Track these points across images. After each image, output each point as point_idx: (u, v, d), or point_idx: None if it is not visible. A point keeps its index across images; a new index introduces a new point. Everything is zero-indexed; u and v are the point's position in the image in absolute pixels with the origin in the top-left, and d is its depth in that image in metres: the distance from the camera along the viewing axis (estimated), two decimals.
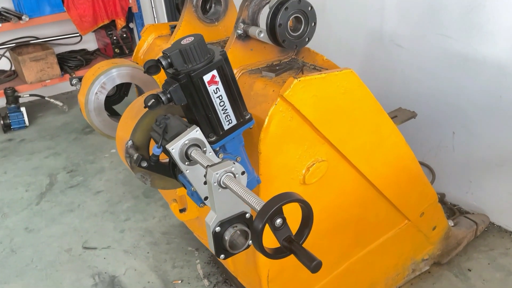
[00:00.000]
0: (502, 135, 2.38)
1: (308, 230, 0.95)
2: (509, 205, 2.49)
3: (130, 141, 1.46)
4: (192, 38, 1.14)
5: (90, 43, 5.32)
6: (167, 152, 1.20)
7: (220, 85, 1.17)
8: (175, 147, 1.16)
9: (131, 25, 5.22)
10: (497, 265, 2.30)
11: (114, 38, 5.00)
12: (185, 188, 1.37)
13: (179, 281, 2.39)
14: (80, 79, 2.04)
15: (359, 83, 1.53)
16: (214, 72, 1.15)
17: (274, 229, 0.89)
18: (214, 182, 1.04)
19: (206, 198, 1.27)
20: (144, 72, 1.19)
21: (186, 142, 1.17)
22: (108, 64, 1.91)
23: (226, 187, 1.04)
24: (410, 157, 1.86)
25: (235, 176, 1.05)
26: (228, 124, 1.24)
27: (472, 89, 2.40)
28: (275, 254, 0.93)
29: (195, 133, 1.18)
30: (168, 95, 1.16)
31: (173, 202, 2.07)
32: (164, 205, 3.03)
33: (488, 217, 2.55)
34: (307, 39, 1.61)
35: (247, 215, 1.13)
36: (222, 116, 1.21)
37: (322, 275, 1.88)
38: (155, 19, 5.07)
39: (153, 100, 1.19)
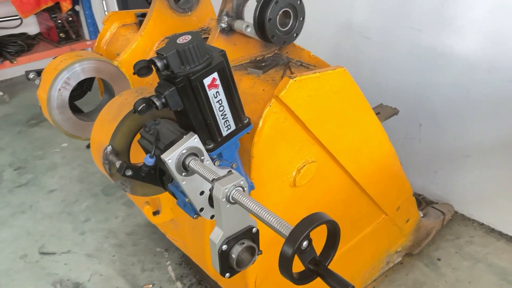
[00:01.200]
0: (468, 127, 2.45)
1: (334, 251, 0.89)
2: (472, 195, 2.59)
3: (110, 146, 1.33)
4: (190, 37, 1.03)
5: (31, 26, 4.92)
6: (161, 162, 1.09)
7: (220, 89, 1.07)
8: (171, 158, 1.05)
9: (77, 7, 4.87)
10: (464, 253, 2.39)
11: (59, 21, 4.65)
12: (175, 197, 1.26)
13: (150, 285, 2.27)
14: (38, 72, 1.84)
15: (351, 82, 1.48)
16: (215, 74, 1.04)
17: (300, 252, 0.82)
18: (223, 198, 0.95)
19: (201, 209, 1.17)
20: (134, 74, 1.06)
21: (184, 151, 1.06)
22: (71, 57, 1.73)
23: (235, 202, 0.95)
24: (392, 153, 1.85)
25: (244, 190, 0.96)
26: (226, 130, 1.14)
27: (440, 82, 2.44)
28: (302, 279, 0.86)
29: (193, 141, 1.07)
30: (163, 100, 1.04)
31: (146, 204, 1.96)
32: (127, 203, 2.87)
33: (453, 207, 2.64)
34: (295, 34, 1.53)
35: (254, 230, 1.05)
36: (221, 122, 1.12)
37: None
38: (104, 2, 4.76)
39: (144, 105, 1.06)
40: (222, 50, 1.06)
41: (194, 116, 1.08)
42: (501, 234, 2.50)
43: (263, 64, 1.57)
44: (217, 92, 1.07)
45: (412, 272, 2.28)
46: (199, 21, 2.00)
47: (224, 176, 0.97)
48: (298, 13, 1.49)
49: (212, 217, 1.21)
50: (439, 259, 2.35)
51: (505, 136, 2.35)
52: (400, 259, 2.33)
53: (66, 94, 1.72)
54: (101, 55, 1.98)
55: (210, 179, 0.98)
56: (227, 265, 1.03)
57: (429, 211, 2.51)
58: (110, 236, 2.62)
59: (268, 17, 1.42)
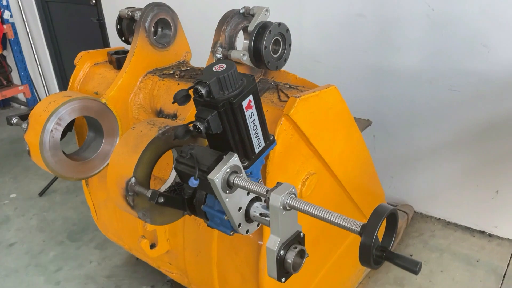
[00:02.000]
0: (416, 134, 2.75)
1: (395, 236, 1.02)
2: (427, 194, 2.87)
3: (133, 177, 1.35)
4: (225, 65, 1.12)
5: None
6: (205, 183, 1.15)
7: (254, 109, 1.17)
8: (218, 177, 1.12)
9: (5, 52, 4.66)
10: (430, 247, 2.63)
11: None
12: (207, 219, 1.32)
13: None
14: (21, 117, 1.80)
15: (340, 98, 1.65)
16: (251, 97, 1.15)
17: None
18: (280, 206, 1.04)
19: (239, 225, 1.24)
20: (173, 103, 1.13)
21: (228, 170, 1.14)
22: (59, 98, 1.72)
23: (291, 209, 1.05)
24: (370, 161, 2.05)
25: (296, 197, 1.07)
26: (258, 147, 1.24)
27: (389, 95, 2.73)
28: (376, 264, 0.97)
29: (234, 159, 1.15)
30: (206, 124, 1.12)
31: (143, 239, 1.95)
32: (99, 246, 2.78)
33: (412, 207, 2.90)
34: (284, 60, 1.68)
35: (301, 234, 1.15)
36: (254, 140, 1.21)
37: (308, 282, 1.94)
38: (33, 46, 4.64)
39: (185, 130, 1.13)
40: (252, 75, 1.17)
41: (233, 137, 1.16)
42: (456, 225, 2.80)
43: None
44: (252, 112, 1.17)
45: (391, 270, 2.47)
46: (176, 55, 2.08)
47: (276, 187, 1.06)
48: (286, 40, 1.64)
49: (247, 231, 1.28)
50: (411, 255, 2.57)
51: (448, 137, 2.67)
52: None
53: (58, 135, 1.71)
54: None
55: (264, 191, 1.07)
56: (283, 270, 1.11)
57: None
58: (89, 281, 2.52)
59: (264, 46, 1.55)
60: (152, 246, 1.98)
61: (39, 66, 4.83)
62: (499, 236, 2.68)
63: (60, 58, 4.93)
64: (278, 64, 1.66)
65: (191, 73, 1.96)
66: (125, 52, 2.13)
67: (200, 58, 2.07)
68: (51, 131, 1.68)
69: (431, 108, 2.63)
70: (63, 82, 4.85)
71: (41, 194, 3.41)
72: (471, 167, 2.64)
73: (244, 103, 1.14)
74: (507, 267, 2.45)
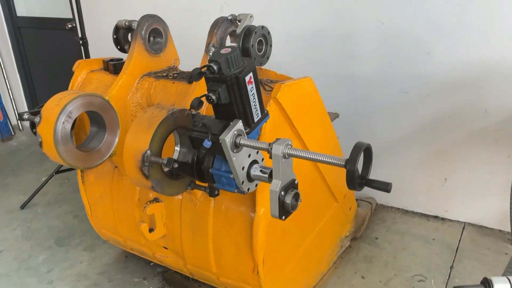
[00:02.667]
0: (375, 131, 3.13)
1: (371, 164, 1.32)
2: None
3: (149, 150, 1.60)
4: (230, 49, 1.42)
5: None
6: (216, 144, 1.42)
7: (253, 85, 1.47)
8: (228, 137, 1.39)
9: None
10: (392, 231, 2.97)
11: None
12: (214, 181, 1.57)
13: None
14: (33, 113, 2.00)
15: (315, 88, 1.98)
16: (251, 74, 1.44)
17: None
18: (281, 154, 1.32)
19: (242, 182, 1.51)
20: (189, 79, 1.41)
21: (235, 132, 1.42)
22: (69, 94, 1.94)
23: (289, 157, 1.33)
24: (339, 148, 2.38)
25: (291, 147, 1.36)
26: (256, 117, 1.52)
27: (350, 99, 3.11)
28: (359, 187, 1.27)
29: (239, 124, 1.43)
30: (217, 95, 1.40)
31: (142, 223, 2.16)
32: (88, 248, 2.92)
33: (375, 199, 3.25)
34: (267, 57, 2.00)
35: (296, 181, 1.43)
36: (253, 110, 1.50)
37: (291, 255, 2.20)
38: (4, 72, 4.76)
39: (199, 102, 1.41)
40: (251, 59, 1.47)
41: (237, 106, 1.45)
42: (413, 213, 3.17)
43: None
44: (252, 87, 1.46)
45: (361, 251, 2.77)
46: (167, 60, 2.36)
47: (276, 141, 1.35)
48: (268, 41, 1.97)
49: (248, 189, 1.55)
50: (376, 238, 2.90)
51: (401, 133, 3.06)
52: (349, 243, 2.82)
53: (68, 127, 1.92)
54: None
55: (267, 145, 1.36)
56: (283, 210, 1.38)
57: (360, 203, 3.07)
58: (82, 279, 2.65)
59: (251, 44, 1.87)
60: (151, 230, 2.19)
61: (9, 91, 4.95)
62: (450, 219, 3.07)
63: (31, 84, 5.07)
64: (262, 61, 1.98)
65: (182, 75, 2.24)
66: (119, 60, 2.39)
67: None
68: (63, 123, 1.89)
69: (387, 108, 3.02)
70: (34, 107, 4.97)
71: (23, 207, 3.49)
72: (423, 159, 3.04)
73: (247, 78, 1.43)
74: (459, 243, 2.81)
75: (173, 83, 2.13)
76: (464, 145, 2.86)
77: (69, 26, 4.36)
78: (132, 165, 1.64)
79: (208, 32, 1.98)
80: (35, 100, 5.20)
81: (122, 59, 2.41)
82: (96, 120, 2.11)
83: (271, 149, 1.34)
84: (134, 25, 2.18)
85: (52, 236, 3.09)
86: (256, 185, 1.59)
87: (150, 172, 1.62)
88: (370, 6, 2.84)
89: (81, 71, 2.37)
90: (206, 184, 1.79)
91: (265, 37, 1.96)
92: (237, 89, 1.42)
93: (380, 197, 3.28)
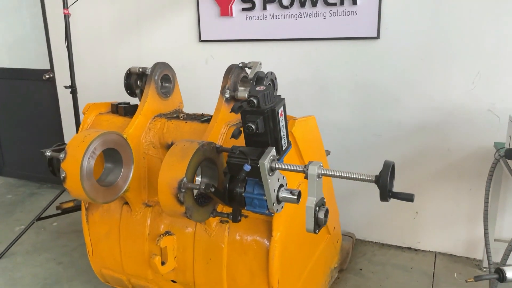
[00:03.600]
0: (352, 170, 3.42)
1: (394, 181, 1.56)
2: (364, 222, 3.50)
3: (185, 178, 1.75)
4: (264, 87, 1.66)
5: None
6: (254, 169, 1.61)
7: (283, 117, 1.70)
8: (266, 161, 1.60)
9: None
10: (374, 262, 3.20)
11: None
12: (245, 204, 1.75)
13: None
14: (56, 150, 2.09)
15: (316, 125, 2.25)
16: (282, 108, 1.68)
17: None
18: (316, 174, 1.54)
19: (273, 203, 1.70)
20: (231, 112, 1.62)
21: (271, 157, 1.63)
22: (93, 132, 2.07)
23: (322, 176, 1.56)
24: (330, 180, 2.63)
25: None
26: (284, 146, 1.75)
27: (328, 142, 3.39)
28: (389, 198, 1.49)
29: (273, 151, 1.65)
30: (255, 125, 1.61)
31: (155, 256, 2.26)
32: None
33: (354, 234, 3.50)
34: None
35: (324, 200, 1.64)
36: (282, 140, 1.72)
37: (296, 282, 2.35)
38: None
39: (239, 131, 1.62)
40: (280, 95, 1.72)
41: (270, 135, 1.67)
42: (389, 246, 3.44)
43: None
44: (282, 119, 1.70)
45: (349, 281, 2.96)
46: (173, 104, 2.56)
47: (310, 163, 1.58)
48: (275, 85, 2.24)
49: (277, 210, 1.74)
50: (360, 269, 3.11)
51: (375, 172, 3.38)
52: (337, 274, 3.00)
53: (92, 163, 2.03)
54: None
55: (303, 167, 1.57)
56: (317, 224, 1.58)
57: (343, 237, 3.30)
58: None
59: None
60: (162, 263, 2.27)
61: None
62: (422, 250, 3.36)
63: None
64: None
65: (191, 117, 2.44)
66: (126, 103, 2.56)
67: None
68: (88, 159, 2.01)
69: (361, 150, 3.36)
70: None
71: (0, 256, 3.38)
72: None
73: (279, 111, 1.67)
74: (434, 270, 3.09)
75: (186, 122, 2.32)
76: (431, 181, 3.22)
77: (46, 76, 4.46)
78: (167, 192, 1.78)
79: (223, 77, 2.21)
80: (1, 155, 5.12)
81: (129, 103, 2.58)
82: (113, 157, 2.23)
83: (307, 170, 1.56)
84: (148, 71, 2.38)
85: (38, 283, 3.02)
86: (282, 207, 1.78)
87: (184, 199, 1.77)
88: (345, 61, 3.24)
89: (90, 114, 2.50)
90: (229, 210, 1.95)
91: (273, 82, 2.23)
92: (271, 121, 1.65)
93: (358, 232, 3.53)
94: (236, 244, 2.15)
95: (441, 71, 3.01)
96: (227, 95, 2.17)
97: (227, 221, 2.18)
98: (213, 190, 1.71)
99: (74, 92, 3.51)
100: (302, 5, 3.23)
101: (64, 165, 1.99)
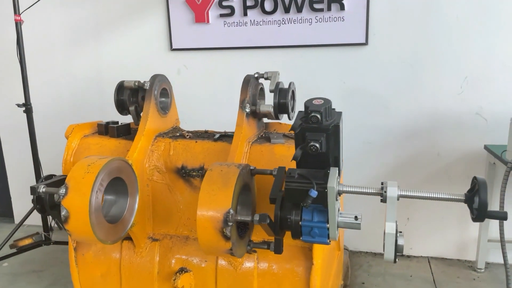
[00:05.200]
0: (343, 177, 3.32)
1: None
2: (354, 232, 3.40)
3: (231, 209, 1.50)
4: (322, 100, 1.47)
5: None
6: (320, 193, 1.41)
7: (342, 134, 1.52)
8: (334, 185, 1.40)
9: None
10: (373, 274, 3.12)
11: None
12: (301, 234, 1.53)
13: None
14: (50, 185, 1.73)
15: None
16: (341, 122, 1.50)
17: None
18: (395, 196, 1.38)
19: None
20: (292, 129, 1.40)
21: (337, 179, 1.43)
22: (97, 160, 1.73)
23: (404, 197, 1.39)
24: None
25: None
26: (342, 164, 1.56)
27: None
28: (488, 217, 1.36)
29: (336, 171, 1.46)
30: (320, 144, 1.41)
31: None
32: None
33: (347, 246, 3.39)
34: (293, 112, 2.06)
35: (397, 223, 1.48)
36: (341, 158, 1.54)
37: None
38: None
39: (302, 152, 1.41)
40: (334, 109, 1.53)
41: (332, 153, 1.47)
42: (382, 254, 3.36)
43: (269, 136, 2.01)
44: (341, 134, 1.51)
45: None
46: (171, 121, 2.26)
47: (385, 184, 1.41)
48: (295, 96, 2.04)
49: (335, 236, 1.54)
50: (363, 283, 3.00)
51: (366, 180, 3.29)
52: None
53: (100, 197, 1.70)
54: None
55: (380, 189, 1.40)
56: (397, 252, 1.41)
57: None
58: None
59: (289, 99, 1.93)
60: None
61: None
62: (415, 256, 3.34)
63: None
64: (292, 115, 2.03)
65: (196, 134, 2.16)
66: (115, 123, 2.22)
67: None
68: (96, 192, 1.67)
69: (351, 158, 3.25)
70: None
71: None
72: None
73: (342, 127, 1.48)
74: (433, 276, 3.07)
75: (196, 142, 2.04)
76: (422, 186, 3.21)
77: None
78: (209, 227, 1.51)
79: (241, 90, 1.98)
80: None
81: (118, 122, 2.24)
82: (115, 187, 1.89)
83: (385, 192, 1.38)
84: (147, 85, 2.07)
85: None
86: (337, 235, 1.59)
87: (231, 234, 1.51)
88: (333, 68, 3.13)
89: (74, 137, 2.13)
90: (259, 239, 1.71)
91: (293, 93, 2.04)
92: (333, 138, 1.46)
93: (349, 243, 3.44)
94: (268, 276, 1.92)
95: (429, 76, 3.01)
96: (247, 110, 1.93)
97: (254, 251, 1.94)
98: (268, 221, 1.48)
99: (28, 110, 3.04)
100: (286, 10, 3.08)
101: (66, 202, 1.63)
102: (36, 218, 3.22)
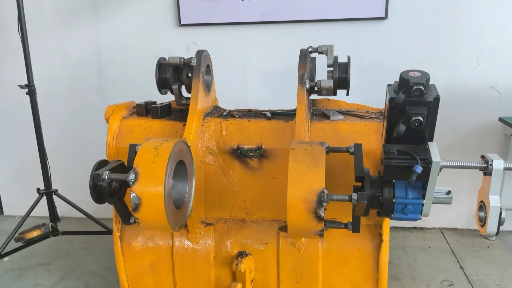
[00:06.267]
0: None
1: None
2: None
3: (325, 189, 1.43)
4: (419, 72, 1.42)
5: None
6: (425, 170, 1.37)
7: None
8: (439, 159, 1.37)
9: None
10: (392, 247, 3.16)
11: None
12: (391, 213, 1.49)
13: None
14: (112, 170, 1.58)
15: None
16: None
17: None
18: (501, 168, 1.36)
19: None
20: (397, 102, 1.35)
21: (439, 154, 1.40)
22: (162, 142, 1.60)
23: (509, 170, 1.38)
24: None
25: None
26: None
27: None
28: None
29: (435, 146, 1.42)
30: (424, 118, 1.37)
31: (236, 283, 1.92)
32: None
33: None
34: None
35: None
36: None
37: None
38: None
39: (406, 127, 1.36)
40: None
41: (430, 128, 1.43)
42: (396, 228, 3.43)
43: (324, 113, 1.95)
44: None
45: None
46: (212, 100, 2.15)
47: (488, 157, 1.39)
48: (347, 68, 1.96)
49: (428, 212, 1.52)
50: None
51: None
52: None
53: (171, 181, 1.58)
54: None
55: (484, 162, 1.38)
56: (500, 225, 1.41)
57: None
58: None
59: (349, 74, 1.86)
60: None
61: None
62: (427, 227, 3.43)
63: None
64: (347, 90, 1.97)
65: (243, 113, 2.06)
66: (153, 103, 2.07)
67: None
68: (168, 176, 1.55)
69: None
70: None
71: None
72: None
73: None
74: (449, 245, 3.16)
75: (249, 121, 1.94)
76: None
77: None
78: (302, 208, 1.44)
79: (298, 65, 1.89)
80: None
81: (155, 101, 2.10)
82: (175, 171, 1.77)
83: (490, 165, 1.37)
84: (194, 62, 1.93)
85: None
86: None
87: (324, 212, 1.45)
88: (350, 43, 3.08)
89: (115, 118, 1.97)
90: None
91: (346, 66, 1.96)
92: (432, 112, 1.42)
93: None
94: (333, 255, 1.88)
95: (446, 50, 3.04)
96: (307, 86, 1.85)
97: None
98: (365, 200, 1.43)
99: (32, 92, 2.79)
100: None
101: (137, 188, 1.50)
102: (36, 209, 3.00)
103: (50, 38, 3.37)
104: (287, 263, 1.90)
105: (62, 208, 3.22)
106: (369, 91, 3.07)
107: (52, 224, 3.05)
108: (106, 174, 1.56)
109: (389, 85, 1.51)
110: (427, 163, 1.38)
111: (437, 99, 1.40)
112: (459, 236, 3.30)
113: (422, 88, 1.36)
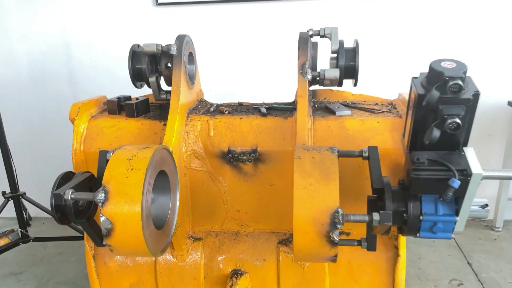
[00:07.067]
0: None
1: None
2: None
3: (339, 208, 1.17)
4: (454, 63, 1.14)
5: None
6: (464, 183, 1.12)
7: None
8: (481, 171, 1.11)
9: None
10: None
11: None
12: (418, 231, 1.25)
13: None
14: (76, 187, 1.29)
15: None
16: None
17: None
18: None
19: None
20: (428, 103, 1.08)
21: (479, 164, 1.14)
22: (136, 151, 1.31)
23: None
24: None
25: None
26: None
27: None
28: None
29: (473, 152, 1.17)
30: (462, 119, 1.10)
31: None
32: None
33: None
34: None
35: None
36: None
37: None
38: None
39: (439, 132, 1.10)
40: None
41: (467, 130, 1.17)
42: None
43: (328, 107, 1.68)
44: None
45: None
46: (196, 93, 1.85)
47: None
48: (356, 54, 1.68)
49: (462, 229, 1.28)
50: None
51: None
52: None
53: (149, 199, 1.30)
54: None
55: None
56: None
57: None
58: None
59: (358, 62, 1.58)
60: None
61: None
62: None
63: None
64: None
65: (233, 108, 1.78)
66: (127, 98, 1.77)
67: None
68: (146, 194, 1.27)
69: None
70: None
71: None
72: None
73: None
74: (454, 239, 2.97)
75: (241, 118, 1.66)
76: None
77: None
78: (311, 231, 1.18)
79: (298, 52, 1.59)
80: None
81: (130, 97, 1.79)
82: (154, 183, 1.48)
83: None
84: (173, 50, 1.62)
85: None
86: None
87: (337, 235, 1.19)
88: (352, 21, 2.79)
89: (81, 118, 1.66)
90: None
91: (354, 52, 1.68)
92: (471, 111, 1.15)
93: None
94: (342, 271, 1.64)
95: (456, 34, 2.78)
96: (309, 76, 1.57)
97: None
98: (390, 223, 1.17)
99: None
100: None
101: (108, 210, 1.22)
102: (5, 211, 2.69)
103: (9, 20, 2.98)
104: (289, 282, 1.66)
105: (34, 208, 2.90)
106: (377, 78, 2.81)
107: (22, 230, 2.74)
108: (69, 194, 1.27)
109: (414, 78, 1.23)
110: (466, 175, 1.12)
111: (476, 96, 1.13)
112: (464, 228, 3.10)
113: (461, 83, 1.09)
